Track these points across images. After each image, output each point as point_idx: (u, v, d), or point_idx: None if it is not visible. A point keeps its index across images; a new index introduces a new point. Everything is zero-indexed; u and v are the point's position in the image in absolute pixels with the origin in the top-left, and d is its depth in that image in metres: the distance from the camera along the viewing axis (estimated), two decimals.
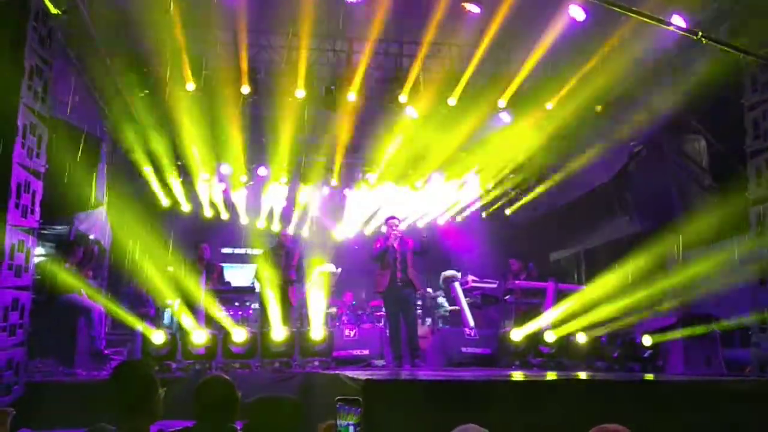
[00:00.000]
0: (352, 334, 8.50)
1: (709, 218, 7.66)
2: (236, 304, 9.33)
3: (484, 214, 12.73)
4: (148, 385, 2.77)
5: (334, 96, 8.85)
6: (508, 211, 12.49)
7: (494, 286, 10.10)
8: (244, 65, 8.28)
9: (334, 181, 11.44)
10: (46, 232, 7.93)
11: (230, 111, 8.81)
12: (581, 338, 7.93)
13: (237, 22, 7.67)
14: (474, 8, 6.63)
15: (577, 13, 6.82)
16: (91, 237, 8.69)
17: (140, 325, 7.31)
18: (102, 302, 7.47)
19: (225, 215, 11.97)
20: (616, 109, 8.96)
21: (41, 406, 5.22)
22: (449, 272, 10.40)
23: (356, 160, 11.30)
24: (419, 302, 9.62)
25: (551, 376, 6.33)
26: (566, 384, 5.28)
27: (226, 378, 3.03)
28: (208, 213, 11.69)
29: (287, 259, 8.52)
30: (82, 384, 6.00)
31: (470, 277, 10.27)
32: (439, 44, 8.46)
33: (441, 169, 11.27)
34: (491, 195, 12.16)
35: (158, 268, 8.53)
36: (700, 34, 5.67)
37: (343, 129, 9.62)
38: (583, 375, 6.51)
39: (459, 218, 12.96)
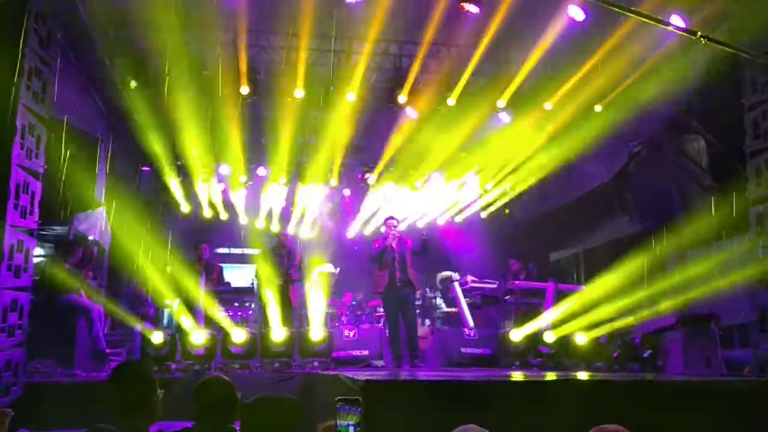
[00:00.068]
0: (352, 334, 8.50)
1: (709, 218, 7.67)
2: (236, 304, 9.31)
3: (483, 214, 12.72)
4: (148, 386, 2.78)
5: (334, 96, 8.85)
6: (507, 211, 12.48)
7: (494, 286, 10.10)
8: (244, 65, 8.29)
9: (334, 182, 11.44)
10: (45, 232, 7.93)
11: (230, 111, 8.82)
12: (581, 338, 7.92)
13: (237, 22, 7.68)
14: (473, 8, 6.61)
15: (577, 13, 6.83)
16: (91, 237, 8.69)
17: (139, 326, 7.32)
18: (101, 302, 7.47)
19: (224, 215, 11.97)
20: (616, 109, 8.96)
21: (40, 406, 5.21)
22: (446, 273, 10.40)
23: (356, 160, 11.30)
24: (419, 302, 9.62)
25: (551, 376, 6.33)
26: (566, 384, 5.28)
27: (226, 378, 3.03)
28: (207, 213, 11.69)
29: (289, 258, 8.55)
30: (81, 385, 5.98)
31: (470, 278, 10.26)
32: (438, 44, 8.46)
33: (440, 170, 11.27)
34: (491, 195, 12.15)
35: (157, 269, 8.53)
36: (700, 34, 5.66)
37: (342, 129, 9.62)
38: (582, 375, 6.51)
39: (458, 218, 12.94)
